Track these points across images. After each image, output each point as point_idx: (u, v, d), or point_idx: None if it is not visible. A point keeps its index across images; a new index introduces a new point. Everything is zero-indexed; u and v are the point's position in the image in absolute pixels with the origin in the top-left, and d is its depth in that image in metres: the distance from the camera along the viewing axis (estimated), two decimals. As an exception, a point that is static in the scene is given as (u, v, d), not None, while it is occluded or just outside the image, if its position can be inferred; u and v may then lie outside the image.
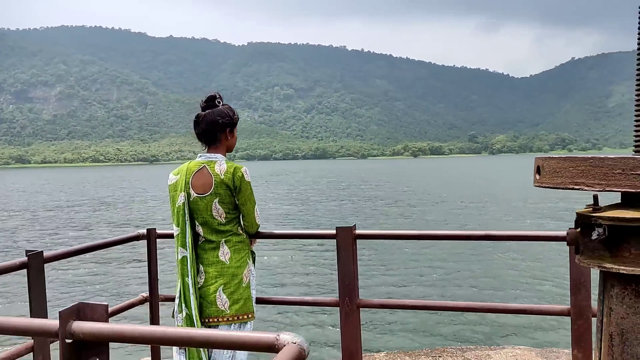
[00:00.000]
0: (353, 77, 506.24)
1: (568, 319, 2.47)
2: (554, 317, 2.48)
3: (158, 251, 3.09)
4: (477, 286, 13.21)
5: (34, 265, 2.16)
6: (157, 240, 3.03)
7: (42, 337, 2.09)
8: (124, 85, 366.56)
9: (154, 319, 3.00)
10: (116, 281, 13.43)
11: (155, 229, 3.06)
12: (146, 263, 3.05)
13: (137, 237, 3.01)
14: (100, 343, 1.36)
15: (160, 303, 2.79)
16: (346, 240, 2.65)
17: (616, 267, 1.43)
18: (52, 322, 1.34)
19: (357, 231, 2.68)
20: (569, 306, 2.47)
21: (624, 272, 1.42)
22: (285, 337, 1.13)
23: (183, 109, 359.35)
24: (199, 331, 1.36)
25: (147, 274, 3.04)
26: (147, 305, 3.02)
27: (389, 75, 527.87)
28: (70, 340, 1.31)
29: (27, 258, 2.15)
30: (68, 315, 1.30)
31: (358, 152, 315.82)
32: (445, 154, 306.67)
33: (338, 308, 2.71)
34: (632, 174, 1.30)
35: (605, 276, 1.52)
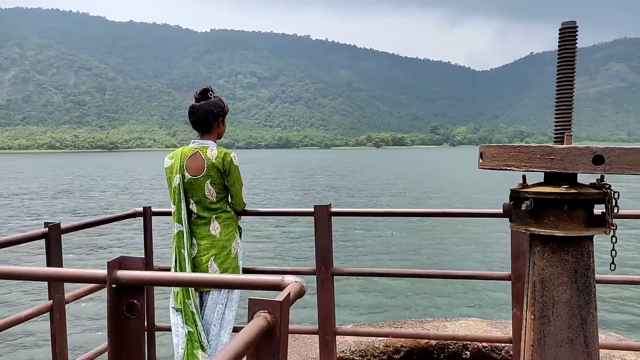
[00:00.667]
0: (317, 67, 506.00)
1: (509, 283, 2.93)
2: (498, 282, 2.85)
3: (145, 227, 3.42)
4: (433, 257, 15.23)
5: (53, 235, 2.45)
6: (152, 217, 3.34)
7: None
8: (81, 70, 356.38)
9: (150, 287, 3.33)
10: (115, 254, 13.88)
11: (150, 207, 3.37)
12: (142, 238, 3.36)
13: (134, 215, 3.32)
14: (138, 287, 1.71)
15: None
16: (322, 217, 3.03)
17: (539, 230, 1.86)
18: (100, 271, 1.68)
19: (332, 209, 3.07)
20: (510, 272, 2.93)
21: (544, 234, 1.85)
22: (289, 278, 1.51)
23: (143, 95, 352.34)
24: (221, 276, 1.73)
25: (143, 247, 3.36)
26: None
27: (353, 66, 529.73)
28: (114, 285, 1.66)
29: (47, 228, 2.43)
30: (113, 266, 1.65)
31: (321, 142, 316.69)
32: (408, 145, 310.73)
33: (315, 276, 3.10)
34: (548, 158, 1.72)
35: (531, 238, 1.95)
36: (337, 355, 3.64)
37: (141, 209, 3.33)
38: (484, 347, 4.34)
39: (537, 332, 1.87)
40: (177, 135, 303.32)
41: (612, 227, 1.83)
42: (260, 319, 1.26)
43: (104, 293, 1.82)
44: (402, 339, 4.41)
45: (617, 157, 1.68)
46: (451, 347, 4.40)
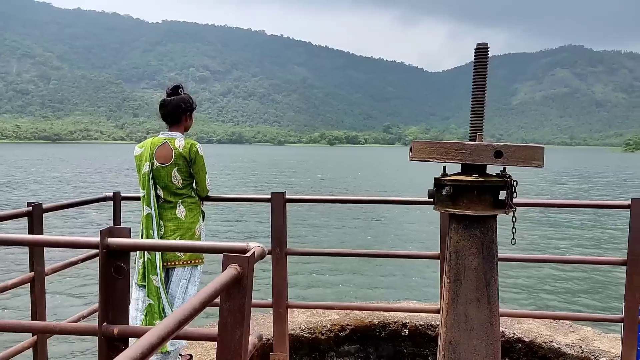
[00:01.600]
0: (272, 62, 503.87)
1: (438, 261, 3.38)
2: (429, 261, 3.22)
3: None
4: (378, 240, 17.17)
5: (36, 213, 2.70)
6: (121, 201, 3.62)
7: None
8: (24, 57, 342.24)
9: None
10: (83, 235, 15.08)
11: (120, 192, 3.64)
12: (112, 221, 3.63)
13: (104, 199, 3.58)
14: (125, 252, 2.05)
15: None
16: (278, 203, 3.39)
17: (455, 210, 2.30)
18: (94, 238, 2.01)
19: (287, 196, 3.44)
20: (439, 252, 3.38)
21: (459, 213, 2.29)
22: (252, 244, 1.88)
23: (90, 86, 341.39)
24: (194, 242, 2.08)
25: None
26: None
27: (308, 63, 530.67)
28: (105, 251, 1.99)
29: (30, 207, 2.68)
30: (105, 234, 1.98)
31: (275, 138, 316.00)
32: (361, 144, 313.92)
33: (270, 256, 3.46)
34: (460, 152, 2.15)
35: (450, 217, 2.38)
36: (288, 332, 4.01)
37: (111, 194, 3.61)
38: (420, 325, 4.82)
39: (452, 293, 2.32)
40: (126, 128, 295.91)
41: (512, 209, 2.29)
42: (232, 269, 1.63)
43: (82, 266, 2.14)
44: (348, 319, 4.84)
45: (512, 153, 2.13)
46: (392, 326, 4.85)
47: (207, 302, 1.48)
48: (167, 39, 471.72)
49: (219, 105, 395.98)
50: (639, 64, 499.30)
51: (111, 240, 1.95)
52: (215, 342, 1.66)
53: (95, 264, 3.04)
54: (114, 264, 1.99)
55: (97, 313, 2.07)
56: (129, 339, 2.01)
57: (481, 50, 2.36)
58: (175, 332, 1.28)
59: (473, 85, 2.37)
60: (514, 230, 2.35)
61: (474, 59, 2.37)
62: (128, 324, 1.99)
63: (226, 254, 1.67)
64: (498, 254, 2.36)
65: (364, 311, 4.99)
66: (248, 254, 1.69)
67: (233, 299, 1.67)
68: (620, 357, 3.26)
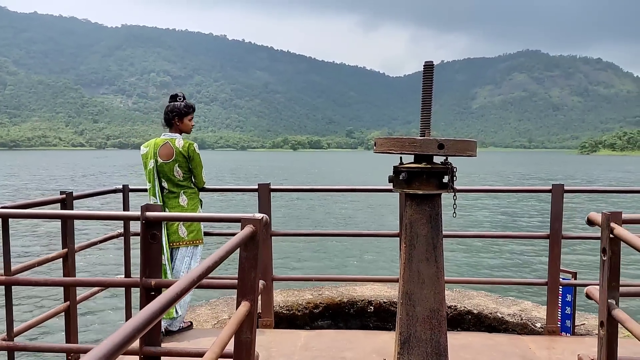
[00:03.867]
0: (233, 67, 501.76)
1: (398, 239, 4.06)
2: (391, 239, 3.74)
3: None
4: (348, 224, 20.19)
5: (69, 200, 3.22)
6: (130, 193, 4.16)
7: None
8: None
9: (127, 251, 4.14)
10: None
11: (128, 185, 4.18)
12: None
13: (114, 191, 4.11)
14: (158, 223, 2.64)
15: (131, 237, 3.95)
16: (264, 192, 4.00)
17: (409, 191, 2.97)
18: (135, 212, 2.61)
19: (271, 187, 4.05)
20: (398, 231, 4.06)
21: (412, 193, 2.96)
22: (258, 214, 2.51)
23: (48, 91, 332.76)
24: (215, 215, 2.70)
25: None
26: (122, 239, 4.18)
27: (270, 68, 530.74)
28: (144, 221, 2.58)
29: (64, 195, 3.21)
30: (144, 209, 2.56)
31: (237, 143, 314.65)
32: (324, 148, 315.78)
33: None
34: (412, 145, 2.84)
35: (405, 196, 3.06)
36: (273, 303, 4.60)
37: (121, 186, 4.16)
38: (384, 302, 5.50)
39: (408, 255, 2.99)
40: (85, 134, 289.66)
41: (453, 190, 2.98)
42: (249, 228, 2.25)
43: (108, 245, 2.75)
44: (320, 299, 5.48)
45: (451, 145, 2.82)
46: (359, 304, 5.51)
47: (230, 252, 2.09)
48: (127, 43, 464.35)
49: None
50: (593, 68, 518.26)
51: (149, 213, 2.55)
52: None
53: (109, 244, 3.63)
54: (150, 232, 2.59)
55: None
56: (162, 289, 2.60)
57: (428, 68, 3.05)
58: (204, 277, 1.85)
59: (422, 94, 3.05)
60: (454, 205, 3.04)
61: (423, 74, 3.06)
62: (161, 278, 2.59)
63: (244, 218, 2.30)
64: (443, 232, 3.05)
65: (334, 290, 5.64)
66: (259, 217, 2.33)
67: (249, 249, 2.30)
68: (546, 314, 4.01)
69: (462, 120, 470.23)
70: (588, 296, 2.39)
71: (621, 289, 2.21)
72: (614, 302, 2.19)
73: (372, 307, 5.54)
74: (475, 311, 5.21)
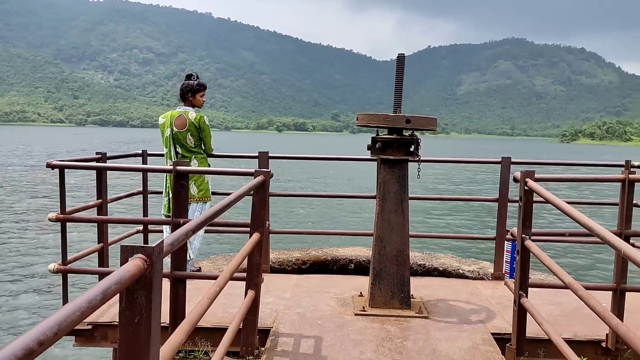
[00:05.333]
0: (218, 46, 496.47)
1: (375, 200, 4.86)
2: (368, 200, 4.43)
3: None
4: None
5: (103, 160, 3.94)
6: (148, 157, 4.87)
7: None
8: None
9: (145, 206, 4.87)
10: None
11: (146, 150, 4.89)
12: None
13: (135, 155, 4.81)
14: (185, 175, 3.37)
15: (149, 196, 4.67)
16: (264, 159, 4.74)
17: (383, 156, 3.74)
18: (169, 167, 3.35)
19: (270, 154, 4.78)
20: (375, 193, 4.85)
21: (385, 158, 3.73)
22: (261, 170, 3.26)
23: (27, 65, 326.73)
24: (228, 169, 3.46)
25: (141, 177, 4.89)
26: (141, 197, 4.90)
27: (256, 48, 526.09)
28: (175, 174, 3.31)
29: (100, 155, 3.91)
30: (176, 164, 3.30)
31: (222, 123, 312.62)
32: (309, 131, 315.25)
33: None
34: (386, 120, 3.60)
35: (380, 161, 3.83)
36: (269, 253, 5.36)
37: (140, 151, 4.87)
38: (362, 260, 6.30)
39: (381, 207, 3.78)
40: (65, 110, 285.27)
41: (417, 157, 3.76)
42: (260, 177, 3.01)
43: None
44: (307, 257, 6.27)
45: (416, 120, 3.59)
46: (341, 261, 6.32)
47: (244, 195, 2.83)
48: (109, 18, 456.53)
49: (164, 88, 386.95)
50: (576, 58, 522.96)
51: (179, 167, 3.28)
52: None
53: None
54: (179, 182, 3.33)
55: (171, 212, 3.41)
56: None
57: (400, 59, 3.82)
58: (220, 214, 2.56)
59: (395, 80, 3.81)
60: (419, 169, 3.83)
61: (396, 64, 3.82)
62: (190, 217, 3.32)
63: (256, 170, 3.06)
64: (413, 195, 3.83)
65: (320, 251, 6.43)
66: (267, 170, 3.10)
67: (260, 193, 3.06)
68: (493, 264, 4.85)
69: (447, 107, 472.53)
70: (512, 235, 3.20)
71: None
72: (527, 237, 3.00)
73: (352, 265, 6.34)
74: (441, 268, 6.04)
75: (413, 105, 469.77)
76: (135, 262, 1.25)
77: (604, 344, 3.33)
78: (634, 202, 4.57)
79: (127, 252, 1.27)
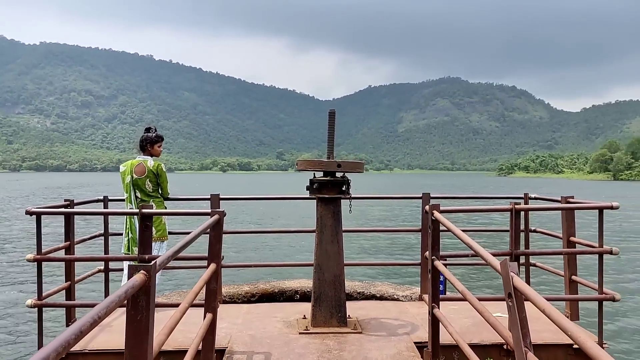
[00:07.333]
0: (160, 88, 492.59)
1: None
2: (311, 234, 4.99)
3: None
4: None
5: (71, 206, 4.41)
6: (109, 202, 5.32)
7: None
8: None
9: (107, 244, 5.29)
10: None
11: (107, 196, 5.34)
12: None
13: (97, 200, 5.24)
14: (150, 217, 3.89)
15: (110, 237, 5.10)
16: (215, 200, 5.29)
17: (320, 195, 4.40)
18: (135, 210, 3.87)
19: (220, 196, 5.34)
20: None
21: (322, 197, 4.39)
22: (217, 210, 3.85)
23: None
24: (184, 211, 4.09)
25: (102, 221, 5.31)
26: (102, 238, 5.31)
27: (198, 89, 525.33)
28: (141, 215, 3.83)
29: (68, 202, 4.37)
30: (142, 207, 3.83)
31: (164, 165, 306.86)
32: (254, 170, 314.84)
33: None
34: (321, 165, 4.27)
35: (318, 199, 4.49)
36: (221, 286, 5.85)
37: (102, 197, 5.33)
38: (307, 291, 6.87)
39: (319, 239, 4.41)
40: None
41: (349, 195, 4.44)
42: (216, 216, 3.59)
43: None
44: (256, 290, 6.78)
45: (346, 165, 4.29)
46: (288, 292, 6.86)
47: (203, 232, 3.39)
48: (46, 61, 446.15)
49: (104, 131, 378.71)
50: (508, 95, 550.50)
51: (144, 210, 3.81)
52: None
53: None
54: (144, 223, 3.85)
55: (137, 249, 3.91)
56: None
57: (331, 115, 4.54)
58: (184, 249, 3.11)
59: (328, 132, 4.51)
60: (350, 205, 4.50)
61: (328, 118, 4.53)
62: (151, 254, 3.87)
63: (212, 210, 3.63)
64: (347, 227, 4.49)
65: (268, 284, 6.96)
66: (222, 210, 3.68)
67: (216, 230, 3.62)
68: (420, 288, 5.55)
69: (389, 143, 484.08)
70: (426, 257, 3.89)
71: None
72: (436, 258, 3.69)
73: (298, 295, 6.88)
74: (378, 295, 6.69)
75: (356, 143, 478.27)
76: (140, 276, 1.82)
77: (505, 347, 4.03)
78: (532, 227, 5.43)
79: (133, 269, 1.84)
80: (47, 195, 53.94)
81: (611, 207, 4.01)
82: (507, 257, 3.00)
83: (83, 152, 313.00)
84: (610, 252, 4.15)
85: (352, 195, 4.52)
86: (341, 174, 4.44)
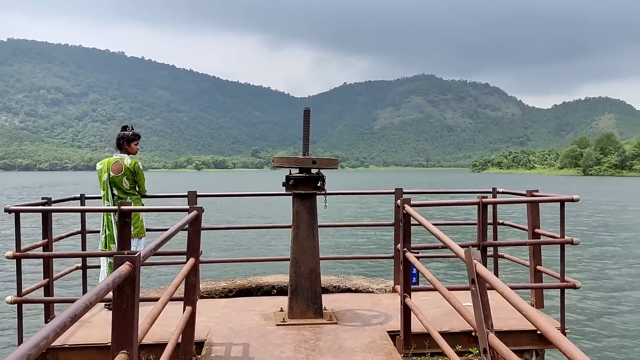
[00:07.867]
0: (132, 85, 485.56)
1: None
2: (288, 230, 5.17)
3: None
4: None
5: (49, 204, 4.44)
6: (85, 200, 5.35)
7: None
8: None
9: (84, 241, 5.32)
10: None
11: (84, 194, 5.37)
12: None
13: (74, 198, 5.26)
14: (128, 214, 3.98)
15: (87, 235, 5.13)
16: (192, 198, 5.37)
17: (295, 191, 4.53)
18: (114, 207, 3.95)
19: (198, 193, 5.42)
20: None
21: (297, 192, 4.52)
22: (195, 207, 3.95)
23: None
24: (165, 207, 4.20)
25: (79, 219, 5.34)
26: (79, 236, 5.35)
27: (172, 86, 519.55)
28: (120, 212, 3.91)
29: (46, 200, 4.41)
30: (120, 204, 3.91)
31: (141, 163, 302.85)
32: (229, 168, 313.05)
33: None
34: (296, 162, 4.40)
35: (293, 195, 4.61)
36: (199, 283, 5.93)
37: (79, 195, 5.36)
38: (284, 286, 6.99)
39: (295, 233, 4.54)
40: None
41: (324, 191, 4.57)
42: (194, 212, 3.69)
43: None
44: (233, 285, 6.88)
45: (321, 161, 4.42)
46: (265, 288, 6.98)
47: (181, 227, 3.49)
48: (14, 58, 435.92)
49: (74, 129, 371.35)
50: (481, 92, 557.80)
51: (123, 207, 3.89)
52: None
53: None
54: (123, 219, 3.92)
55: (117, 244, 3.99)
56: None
57: (306, 113, 4.66)
58: (164, 243, 3.22)
59: (303, 130, 4.64)
60: (325, 200, 4.64)
61: (303, 116, 4.65)
62: (130, 249, 3.93)
63: (191, 206, 3.73)
64: (323, 222, 4.63)
65: (245, 280, 7.06)
66: (200, 207, 3.78)
67: (194, 225, 3.72)
68: (393, 279, 5.72)
69: (364, 140, 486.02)
70: (397, 250, 4.05)
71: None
72: (407, 250, 3.85)
73: (275, 290, 7.01)
74: (353, 288, 6.85)
75: (332, 140, 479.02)
76: (125, 267, 1.92)
77: (473, 334, 4.22)
78: (501, 221, 5.64)
79: (118, 260, 1.95)
80: (14, 196, 52.77)
81: (572, 200, 4.23)
82: (472, 247, 3.17)
83: (53, 150, 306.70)
84: (571, 242, 4.37)
85: (328, 191, 4.66)
86: (316, 170, 4.58)
